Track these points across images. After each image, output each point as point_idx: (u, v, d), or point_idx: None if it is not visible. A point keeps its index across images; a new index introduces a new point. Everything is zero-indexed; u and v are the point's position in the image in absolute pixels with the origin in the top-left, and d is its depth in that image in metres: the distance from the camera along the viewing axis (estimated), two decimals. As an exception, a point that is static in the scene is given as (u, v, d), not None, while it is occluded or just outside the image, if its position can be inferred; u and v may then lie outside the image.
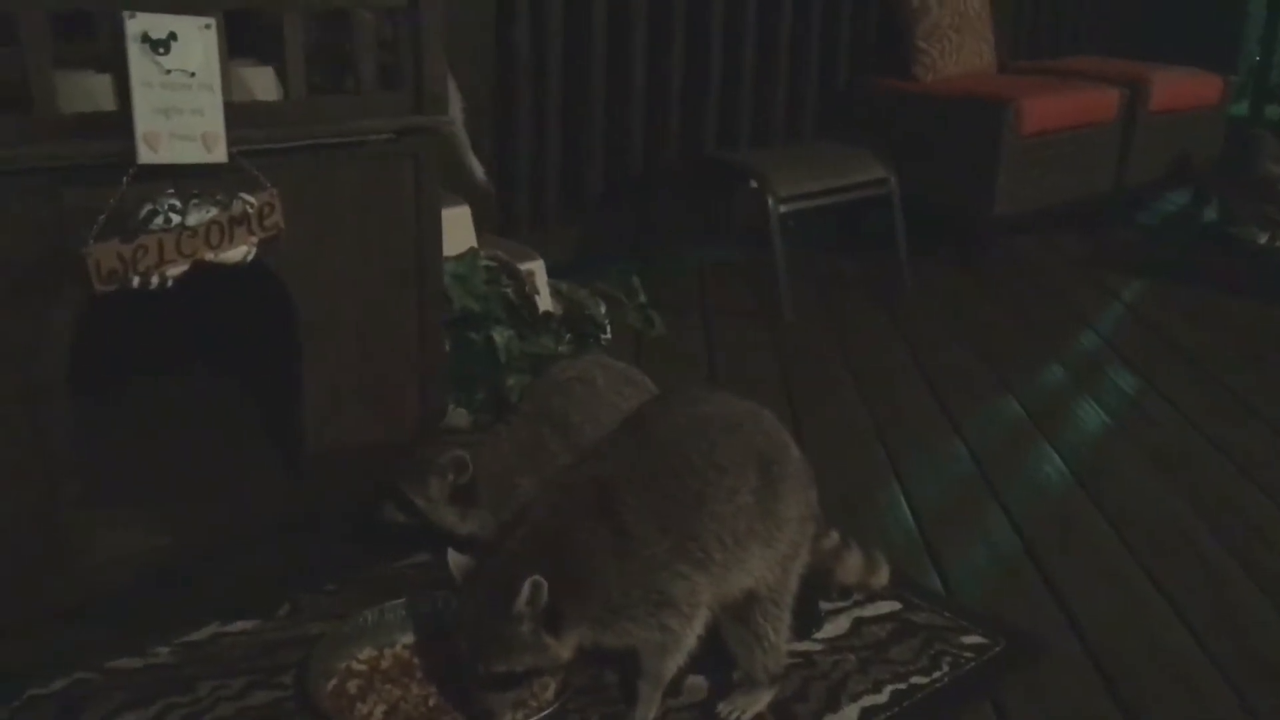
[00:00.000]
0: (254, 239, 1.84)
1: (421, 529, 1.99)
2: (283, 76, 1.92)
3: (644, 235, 3.98)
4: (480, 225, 2.85)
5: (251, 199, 1.82)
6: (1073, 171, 4.33)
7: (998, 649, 1.85)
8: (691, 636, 1.61)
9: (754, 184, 3.60)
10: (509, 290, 2.54)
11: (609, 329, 2.72)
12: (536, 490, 1.75)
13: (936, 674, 1.78)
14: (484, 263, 2.52)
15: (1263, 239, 4.34)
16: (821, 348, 3.33)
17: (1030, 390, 3.06)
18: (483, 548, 1.65)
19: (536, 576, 1.46)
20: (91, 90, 1.73)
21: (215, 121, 1.74)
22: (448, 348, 2.33)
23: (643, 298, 2.80)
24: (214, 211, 1.77)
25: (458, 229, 2.62)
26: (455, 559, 1.61)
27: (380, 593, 1.86)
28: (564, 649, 1.54)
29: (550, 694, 1.66)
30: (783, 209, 3.54)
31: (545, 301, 2.74)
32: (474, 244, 2.65)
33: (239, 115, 1.80)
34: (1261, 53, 5.94)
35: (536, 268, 2.81)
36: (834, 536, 1.89)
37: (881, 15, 4.52)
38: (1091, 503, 2.42)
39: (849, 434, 2.75)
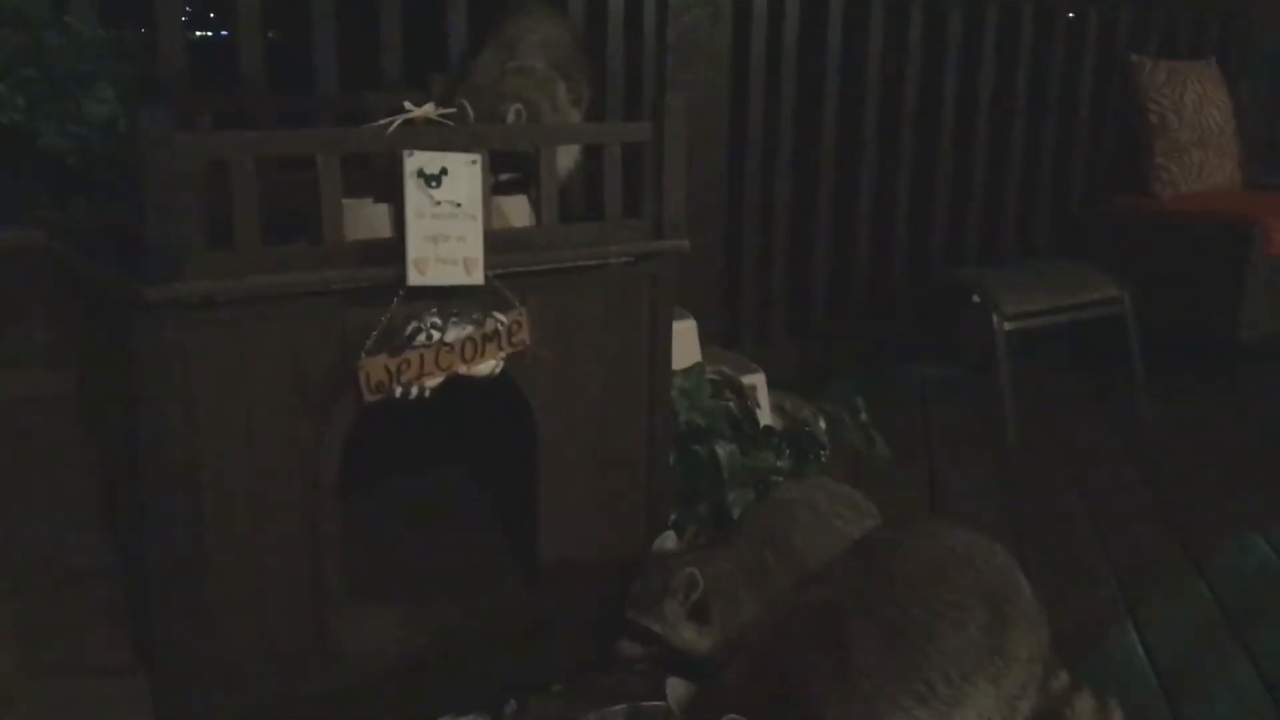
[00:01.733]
0: (502, 354, 1.97)
1: (660, 657, 1.99)
2: (536, 205, 2.07)
3: (869, 354, 3.99)
4: (705, 339, 2.94)
5: (503, 317, 1.95)
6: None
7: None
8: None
9: (979, 300, 3.56)
10: (732, 404, 2.60)
11: (829, 446, 2.73)
12: (762, 611, 1.78)
13: (1175, 834, 1.69)
14: (708, 376, 2.60)
15: None
16: (1050, 475, 3.23)
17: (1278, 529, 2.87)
18: (704, 678, 1.68)
19: (734, 717, 1.47)
20: (370, 219, 1.91)
21: (476, 248, 1.89)
22: (672, 461, 2.41)
23: (865, 416, 2.80)
24: (469, 329, 1.91)
25: (684, 342, 2.72)
26: (674, 687, 1.64)
27: (604, 698, 1.92)
28: None
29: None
30: (1009, 326, 3.48)
31: (766, 416, 2.79)
32: (699, 358, 2.73)
33: (496, 241, 1.94)
34: None
35: (758, 381, 2.86)
36: (1064, 678, 1.83)
37: (1120, 131, 4.43)
38: (1351, 658, 2.25)
39: (1079, 570, 2.65)
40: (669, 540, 2.17)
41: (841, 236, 3.97)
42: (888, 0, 3.89)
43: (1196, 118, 4.37)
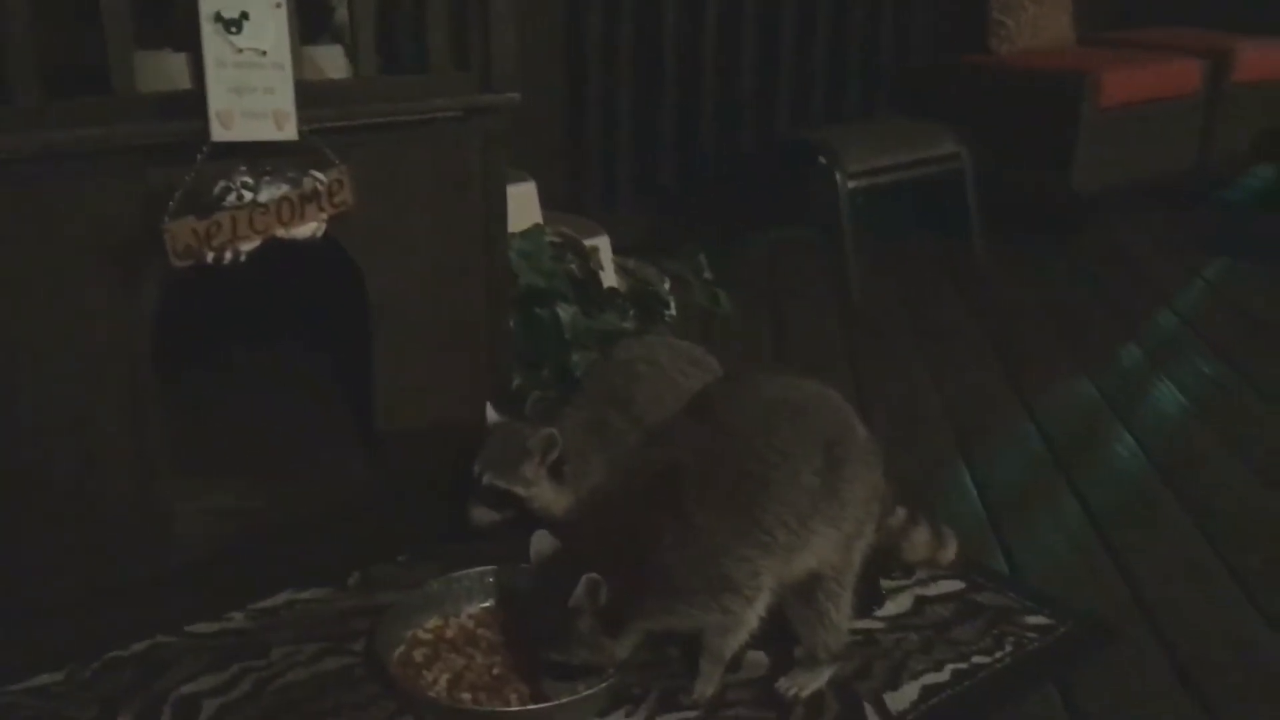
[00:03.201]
0: (324, 215, 1.87)
1: (514, 521, 1.95)
2: (352, 55, 1.94)
3: (714, 216, 3.97)
4: (547, 202, 2.87)
5: (322, 176, 1.85)
6: (1154, 145, 4.22)
7: (1063, 631, 1.83)
8: (753, 617, 1.62)
9: (823, 160, 3.57)
10: (574, 266, 2.56)
11: (674, 306, 2.72)
12: (606, 474, 1.77)
13: (999, 654, 1.77)
14: (549, 239, 2.54)
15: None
16: (891, 327, 3.30)
17: (1106, 371, 3.00)
18: (562, 536, 1.66)
19: (593, 575, 1.48)
20: (168, 69, 1.77)
21: (286, 100, 1.77)
22: (513, 324, 2.36)
23: (708, 275, 2.80)
24: (285, 188, 1.80)
25: (523, 205, 2.64)
26: (540, 541, 1.63)
27: (450, 564, 1.89)
28: (620, 649, 1.57)
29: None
30: (852, 185, 3.50)
31: (610, 278, 2.75)
32: (539, 220, 2.67)
33: (309, 94, 1.82)
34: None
35: (601, 244, 2.82)
36: (900, 514, 1.88)
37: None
38: (1167, 487, 2.37)
39: (917, 414, 2.72)
40: (491, 414, 2.10)
41: (686, 97, 3.91)
42: None
43: (1032, -28, 4.40)
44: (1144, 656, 1.80)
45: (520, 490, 1.94)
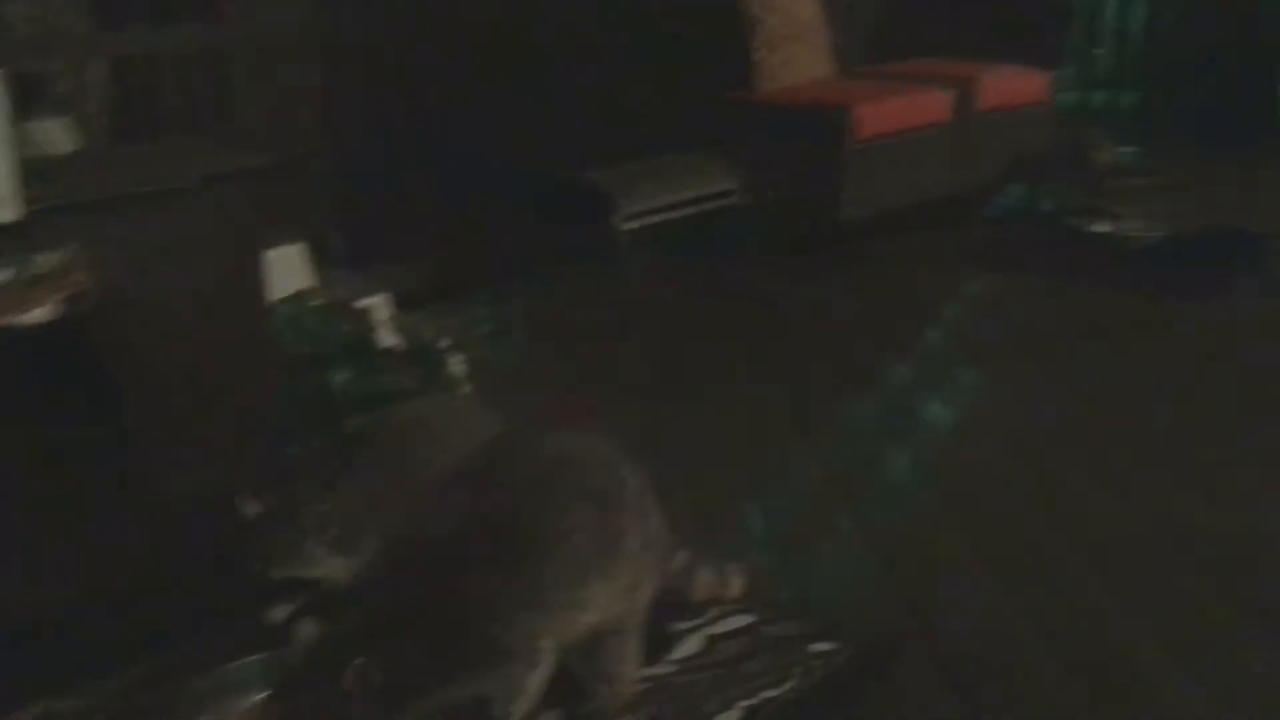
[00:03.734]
0: (57, 298, 1.76)
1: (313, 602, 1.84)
2: (81, 127, 1.84)
3: (496, 261, 3.94)
4: (323, 260, 2.80)
5: (51, 257, 1.74)
6: (914, 171, 4.45)
7: (848, 656, 1.88)
8: (537, 681, 1.60)
9: (601, 202, 3.60)
10: (347, 329, 2.49)
11: (460, 362, 2.68)
12: (383, 544, 1.71)
13: (787, 685, 1.79)
14: (317, 302, 2.47)
15: (1101, 227, 4.51)
16: (676, 363, 3.34)
17: (884, 390, 3.11)
18: (334, 614, 1.60)
19: (361, 662, 1.44)
20: None
21: (4, 181, 1.66)
22: (284, 392, 2.27)
23: (489, 327, 2.77)
24: (9, 274, 1.69)
25: (290, 269, 2.57)
26: (304, 629, 1.56)
27: (219, 651, 1.79)
28: None
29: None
30: (633, 224, 3.55)
31: (389, 336, 2.69)
32: (309, 283, 2.59)
33: (32, 171, 1.71)
34: (1087, 45, 6.21)
35: (378, 302, 2.75)
36: (683, 556, 1.89)
37: (720, 28, 4.57)
38: (945, 504, 2.46)
39: (705, 447, 2.76)
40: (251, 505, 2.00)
41: (462, 142, 3.87)
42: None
43: (789, 12, 4.58)
44: (930, 678, 1.86)
45: (307, 573, 1.84)
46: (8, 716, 1.74)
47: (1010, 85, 4.88)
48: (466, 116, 3.87)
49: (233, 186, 2.00)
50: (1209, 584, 2.11)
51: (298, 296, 2.42)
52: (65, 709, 1.76)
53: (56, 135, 1.85)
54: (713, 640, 1.93)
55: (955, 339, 3.53)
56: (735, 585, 1.99)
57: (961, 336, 3.55)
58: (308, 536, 1.83)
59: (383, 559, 1.65)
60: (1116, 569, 2.18)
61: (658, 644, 1.84)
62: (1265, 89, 6.22)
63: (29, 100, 1.80)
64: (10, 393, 2.19)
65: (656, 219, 3.63)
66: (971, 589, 2.13)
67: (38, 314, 1.73)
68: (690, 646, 1.91)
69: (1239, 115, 6.11)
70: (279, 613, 1.84)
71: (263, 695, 1.74)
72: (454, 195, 3.90)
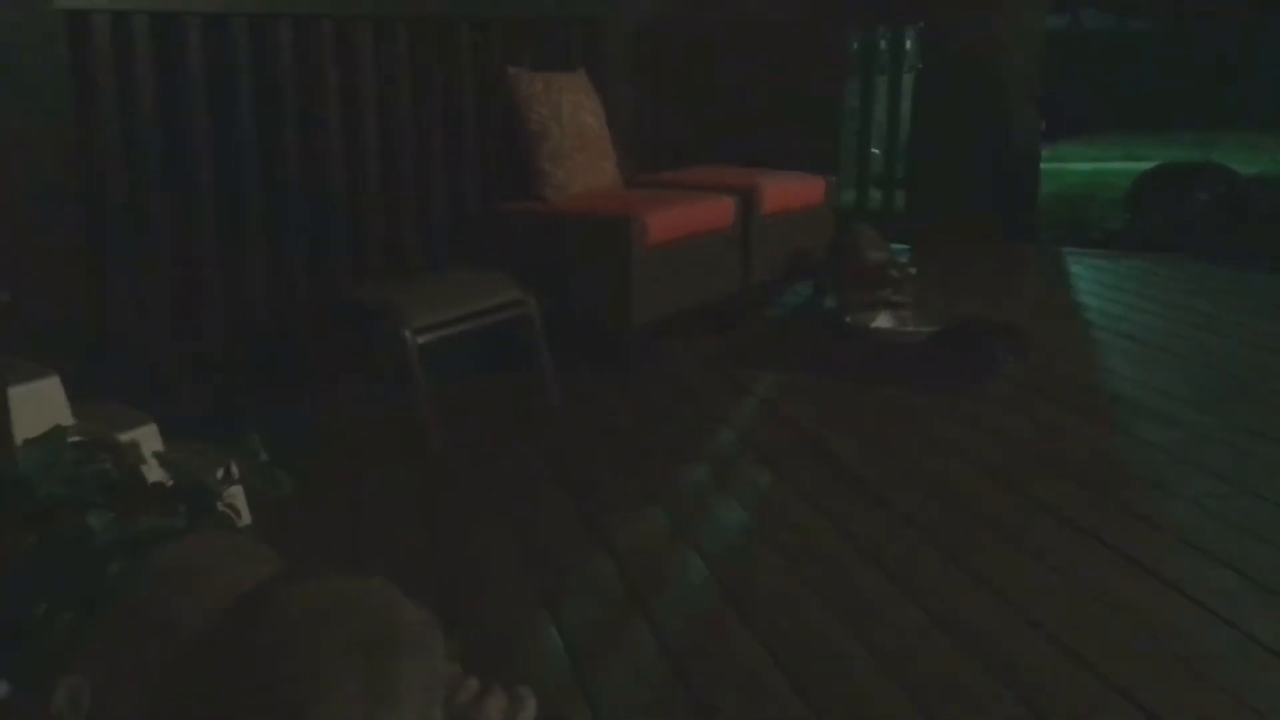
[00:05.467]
0: None
1: None
2: None
3: (275, 382, 3.81)
4: (84, 393, 2.62)
5: None
6: (700, 275, 4.58)
7: (642, 781, 1.85)
8: None
9: (390, 318, 3.54)
10: (107, 466, 2.33)
11: (234, 495, 2.54)
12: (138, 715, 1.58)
13: (580, 821, 1.75)
14: (73, 439, 2.30)
15: (878, 323, 4.73)
16: (468, 479, 3.29)
17: (675, 496, 3.14)
18: None
19: None
20: None
21: None
22: (36, 541, 2.10)
23: (264, 455, 2.64)
24: None
25: (43, 404, 2.40)
26: None
27: None
28: None
29: None
30: (420, 340, 3.50)
31: (156, 471, 2.54)
32: (64, 419, 2.42)
33: None
34: (859, 149, 6.60)
35: (144, 434, 2.60)
36: (472, 685, 1.83)
37: (505, 140, 4.63)
38: (735, 611, 2.47)
39: (497, 566, 2.71)
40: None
41: (232, 262, 3.76)
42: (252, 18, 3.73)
43: (574, 123, 4.69)
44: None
45: None
46: None
47: (790, 190, 5.12)
48: (236, 237, 3.76)
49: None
50: (994, 687, 2.18)
51: (50, 435, 2.25)
52: None
53: None
54: (504, 776, 1.86)
55: (743, 440, 3.61)
56: (528, 709, 1.92)
57: (748, 438, 3.63)
58: (59, 716, 1.69)
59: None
60: (910, 674, 2.22)
61: (447, 786, 1.76)
62: (1023, 188, 6.77)
63: None
64: None
65: (446, 332, 3.59)
66: (762, 703, 2.13)
67: None
68: (480, 785, 1.83)
69: (1001, 212, 6.62)
70: None
71: None
72: (230, 318, 3.77)
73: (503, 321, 3.81)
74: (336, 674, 1.51)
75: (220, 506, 2.42)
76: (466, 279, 3.94)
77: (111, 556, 2.15)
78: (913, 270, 4.96)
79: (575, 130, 4.68)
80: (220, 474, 2.49)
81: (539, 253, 4.35)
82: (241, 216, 3.76)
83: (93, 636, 1.88)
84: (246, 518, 2.61)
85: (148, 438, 2.60)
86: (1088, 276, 5.98)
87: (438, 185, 4.45)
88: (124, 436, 2.49)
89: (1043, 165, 7.08)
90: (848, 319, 4.77)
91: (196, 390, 3.60)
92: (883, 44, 6.61)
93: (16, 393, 2.03)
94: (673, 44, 5.81)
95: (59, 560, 2.14)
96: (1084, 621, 2.39)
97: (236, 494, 2.59)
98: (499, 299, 3.80)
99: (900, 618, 2.44)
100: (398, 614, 1.63)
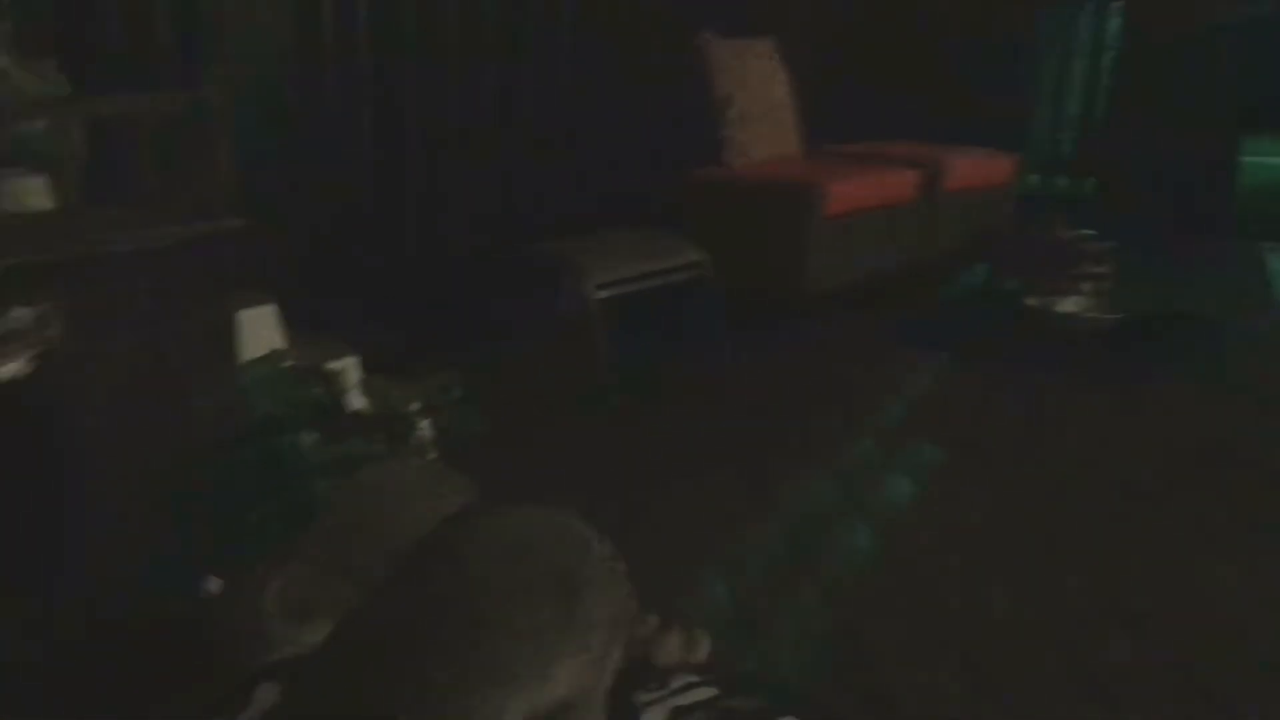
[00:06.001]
0: (29, 354, 1.75)
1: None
2: (56, 185, 1.85)
3: (462, 332, 3.95)
4: (292, 322, 2.79)
5: (26, 312, 1.74)
6: (878, 249, 4.54)
7: (810, 730, 1.88)
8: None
9: (571, 273, 3.63)
10: (316, 391, 2.49)
11: (426, 427, 2.68)
12: (342, 620, 1.70)
13: (750, 761, 1.79)
14: (288, 364, 2.46)
15: (1059, 308, 4.59)
16: (641, 436, 3.36)
17: (845, 466, 3.15)
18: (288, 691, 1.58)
19: None
20: None
21: (-20, 235, 1.67)
22: (250, 455, 2.26)
23: (457, 394, 2.77)
24: (-17, 328, 1.68)
25: (261, 329, 2.57)
26: (265, 694, 1.54)
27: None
28: None
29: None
30: (600, 295, 3.58)
31: (357, 400, 2.69)
32: (279, 344, 2.59)
33: (9, 226, 1.72)
34: (1049, 131, 6.39)
35: (347, 365, 2.76)
36: (652, 621, 1.90)
37: (690, 104, 4.66)
38: (903, 581, 2.48)
39: (670, 519, 2.77)
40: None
41: (427, 213, 3.91)
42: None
43: (760, 91, 4.69)
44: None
45: (269, 655, 1.80)
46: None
47: (975, 167, 5.01)
48: (436, 189, 3.91)
49: (206, 248, 2.01)
50: (1165, 676, 2.13)
51: (269, 358, 2.42)
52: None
53: (33, 192, 1.86)
54: (676, 712, 1.92)
55: (914, 416, 3.57)
56: (702, 649, 1.99)
57: (920, 414, 3.59)
58: (269, 615, 1.82)
59: (347, 629, 1.63)
60: (1080, 660, 2.19)
61: (622, 715, 1.83)
62: (1220, 180, 6.43)
63: (6, 157, 1.81)
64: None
65: (625, 290, 3.66)
66: (930, 672, 2.14)
67: (8, 369, 1.73)
68: (653, 718, 1.90)
69: (1195, 204, 6.31)
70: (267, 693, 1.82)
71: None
72: (424, 264, 3.93)
73: (679, 283, 3.86)
74: (533, 602, 1.58)
75: (415, 438, 2.55)
76: (646, 239, 4.00)
77: (319, 475, 2.30)
78: (1107, 251, 4.76)
79: (761, 97, 4.68)
80: (416, 407, 2.62)
81: (718, 217, 4.38)
82: (437, 176, 3.89)
83: (300, 545, 2.01)
84: (434, 452, 2.74)
85: (350, 369, 2.76)
86: (1288, 274, 5.67)
87: (622, 147, 4.52)
88: (330, 366, 2.65)
89: (1244, 158, 6.71)
90: (1030, 301, 4.64)
91: (391, 333, 3.76)
92: (1081, 23, 6.37)
93: (245, 315, 2.18)
94: (861, 13, 5.74)
95: (272, 474, 2.30)
96: (1268, 621, 2.31)
97: (425, 429, 2.72)
98: (677, 260, 3.85)
99: (1071, 599, 2.40)
100: (591, 549, 1.70)
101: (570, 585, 1.62)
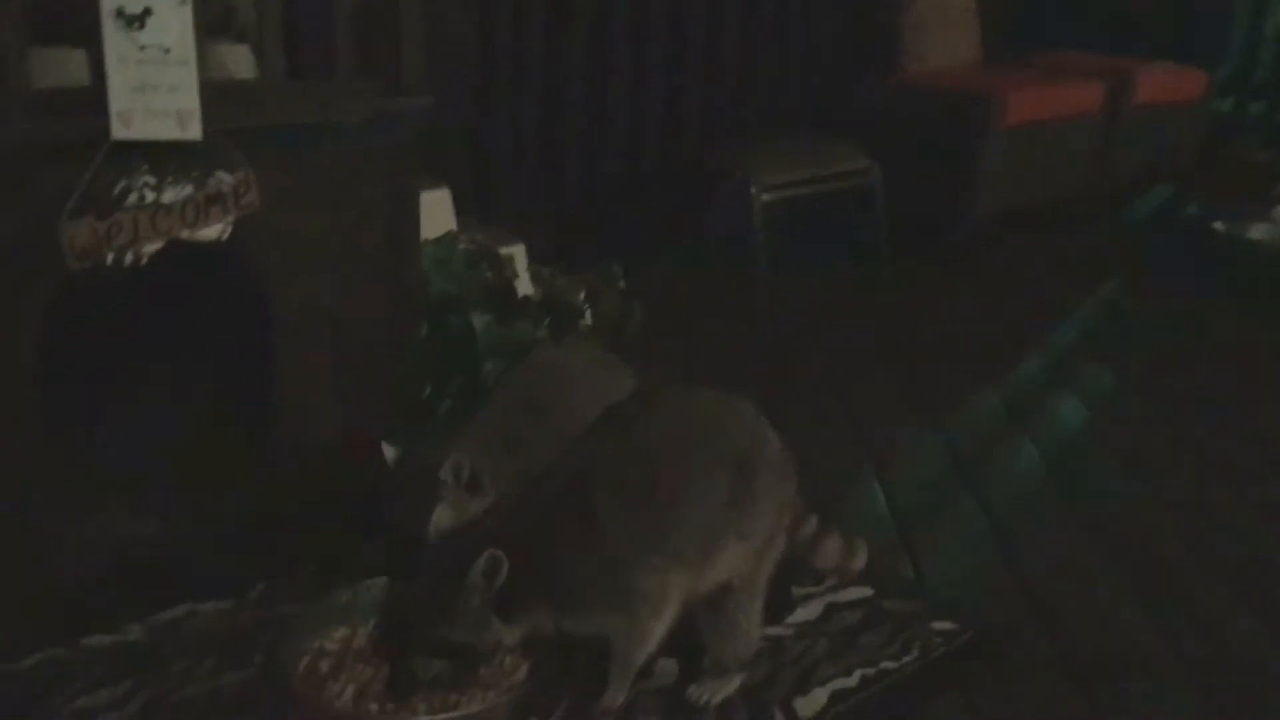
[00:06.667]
0: (229, 218, 1.83)
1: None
2: (260, 55, 1.91)
3: (622, 231, 3.96)
4: (460, 210, 2.85)
5: (228, 177, 1.81)
6: (1056, 165, 4.34)
7: (967, 637, 1.86)
8: (661, 628, 1.62)
9: (738, 175, 3.60)
10: (488, 274, 2.54)
11: (589, 316, 2.71)
12: (519, 481, 1.75)
13: (906, 659, 1.79)
14: (463, 246, 2.52)
15: (1246, 234, 4.34)
16: (800, 343, 3.33)
17: (1010, 385, 3.06)
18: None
19: (497, 551, 1.47)
20: (64, 65, 1.72)
21: (190, 98, 1.73)
22: (424, 332, 2.33)
23: (622, 287, 2.79)
24: (189, 189, 1.76)
25: (437, 212, 2.62)
26: (441, 515, 1.67)
27: (353, 578, 1.85)
28: (509, 634, 1.55)
29: (521, 674, 1.67)
30: (765, 198, 3.54)
31: (525, 287, 2.74)
32: (453, 227, 2.64)
33: (214, 93, 1.78)
34: (1245, 50, 5.96)
35: (517, 252, 2.80)
36: (813, 522, 1.90)
37: (865, 8, 4.51)
38: (1066, 500, 2.43)
39: (827, 429, 2.75)
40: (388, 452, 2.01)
41: (593, 111, 3.90)
42: None
43: (940, -6, 4.50)
44: (1042, 661, 1.85)
45: (444, 520, 1.86)
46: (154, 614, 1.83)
47: (1165, 83, 4.72)
48: (603, 88, 3.88)
49: (397, 125, 2.05)
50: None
51: (444, 239, 2.47)
52: (209, 610, 1.85)
53: (238, 61, 1.92)
54: (831, 609, 1.93)
55: (1085, 340, 3.44)
56: (860, 558, 1.98)
57: (1092, 338, 3.46)
58: (443, 487, 1.88)
59: (520, 492, 1.68)
60: (1242, 579, 2.12)
61: (779, 606, 1.85)
62: None
63: (214, 26, 1.87)
64: (169, 308, 2.30)
65: (791, 194, 3.61)
66: (1091, 585, 2.09)
67: (211, 231, 1.81)
68: (809, 612, 1.92)
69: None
70: (443, 516, 1.85)
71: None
72: (587, 164, 3.93)
73: (846, 190, 3.79)
74: (708, 481, 1.60)
75: (580, 326, 2.58)
76: (813, 144, 3.92)
77: (489, 355, 2.36)
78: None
79: (938, 2, 4.49)
80: (581, 297, 2.65)
81: (888, 125, 4.24)
82: (604, 75, 3.86)
83: (471, 422, 2.07)
84: (597, 341, 2.76)
85: (519, 256, 2.80)
86: None
87: (792, 50, 4.41)
88: (503, 250, 2.69)
89: None
90: (1216, 226, 4.39)
91: (552, 225, 3.80)
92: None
93: (425, 197, 2.22)
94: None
95: (446, 351, 2.36)
96: None
97: (589, 318, 2.75)
98: (845, 166, 3.76)
99: (1245, 529, 2.31)
100: (768, 439, 1.70)
101: (745, 472, 1.63)
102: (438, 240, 2.46)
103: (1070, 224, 4.57)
